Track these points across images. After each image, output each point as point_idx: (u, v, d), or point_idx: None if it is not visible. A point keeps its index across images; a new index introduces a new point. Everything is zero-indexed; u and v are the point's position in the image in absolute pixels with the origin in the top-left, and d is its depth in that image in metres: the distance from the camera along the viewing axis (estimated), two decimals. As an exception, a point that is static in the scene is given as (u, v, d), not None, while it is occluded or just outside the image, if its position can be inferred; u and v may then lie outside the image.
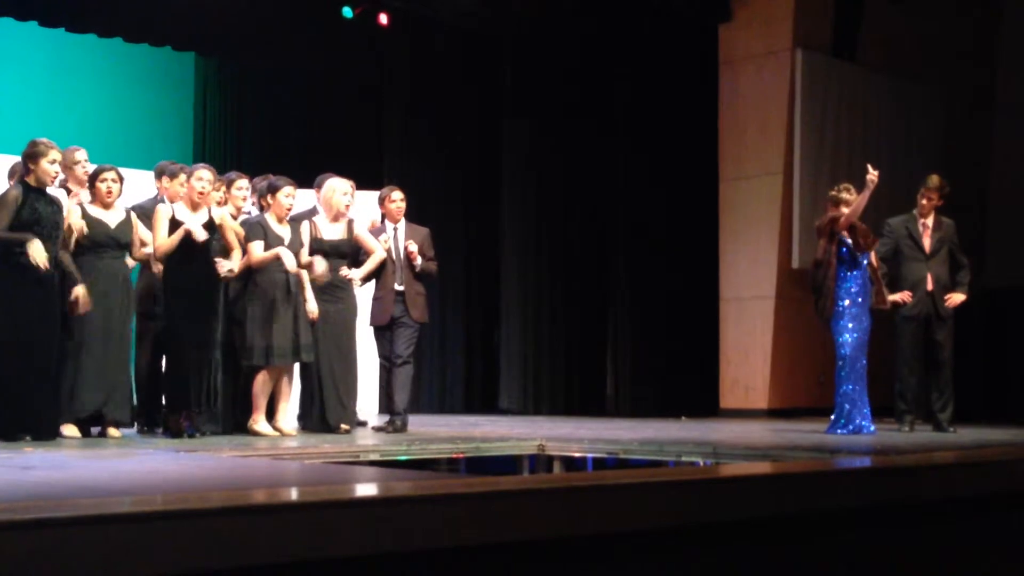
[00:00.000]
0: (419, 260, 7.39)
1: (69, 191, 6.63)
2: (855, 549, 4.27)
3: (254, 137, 11.46)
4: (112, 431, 6.30)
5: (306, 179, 7.97)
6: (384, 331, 7.40)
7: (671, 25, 10.70)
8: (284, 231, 6.91)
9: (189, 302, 6.38)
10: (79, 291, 6.11)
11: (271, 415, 6.80)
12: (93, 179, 6.46)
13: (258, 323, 6.69)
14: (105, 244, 6.38)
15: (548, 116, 10.90)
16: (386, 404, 7.65)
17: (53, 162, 5.97)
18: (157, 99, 11.30)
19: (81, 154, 6.69)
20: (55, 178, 6.09)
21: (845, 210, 7.29)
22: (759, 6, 10.72)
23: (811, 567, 4.11)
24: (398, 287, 7.40)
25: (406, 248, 7.39)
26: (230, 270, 6.43)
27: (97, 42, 9.98)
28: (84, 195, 6.59)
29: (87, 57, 10.68)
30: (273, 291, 6.75)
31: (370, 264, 7.21)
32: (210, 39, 10.35)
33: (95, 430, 6.37)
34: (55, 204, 6.07)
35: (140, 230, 6.59)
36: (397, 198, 7.50)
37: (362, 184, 7.75)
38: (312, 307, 6.85)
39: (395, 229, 7.49)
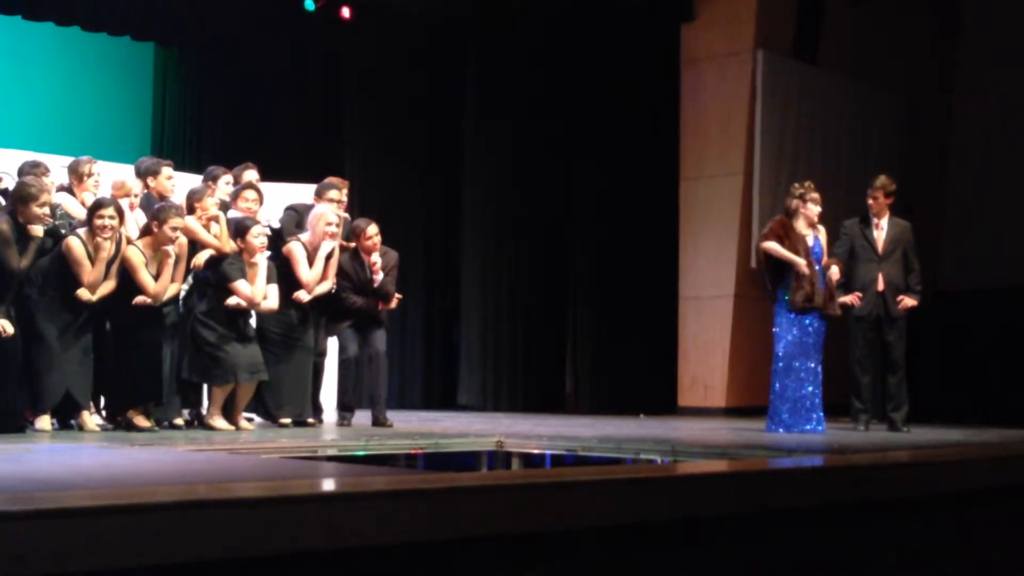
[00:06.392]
0: (380, 275, 7.40)
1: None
2: (810, 547, 4.31)
3: (213, 129, 11.35)
4: (88, 423, 6.21)
5: (265, 172, 7.92)
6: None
7: (634, 24, 10.71)
8: (260, 262, 6.81)
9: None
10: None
11: (228, 408, 6.74)
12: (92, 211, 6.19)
13: (220, 344, 6.61)
14: None
15: (510, 112, 10.88)
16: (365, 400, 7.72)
17: (43, 204, 5.91)
18: (115, 89, 11.18)
19: (96, 167, 6.76)
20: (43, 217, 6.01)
21: (808, 209, 7.36)
22: (721, 7, 10.77)
23: (767, 565, 4.14)
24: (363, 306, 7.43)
25: (372, 265, 7.37)
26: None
27: (55, 30, 9.85)
28: (88, 197, 6.58)
29: (44, 45, 10.53)
30: (233, 313, 6.70)
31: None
32: (170, 29, 10.24)
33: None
34: None
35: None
36: (372, 233, 7.42)
37: (321, 178, 7.68)
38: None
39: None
